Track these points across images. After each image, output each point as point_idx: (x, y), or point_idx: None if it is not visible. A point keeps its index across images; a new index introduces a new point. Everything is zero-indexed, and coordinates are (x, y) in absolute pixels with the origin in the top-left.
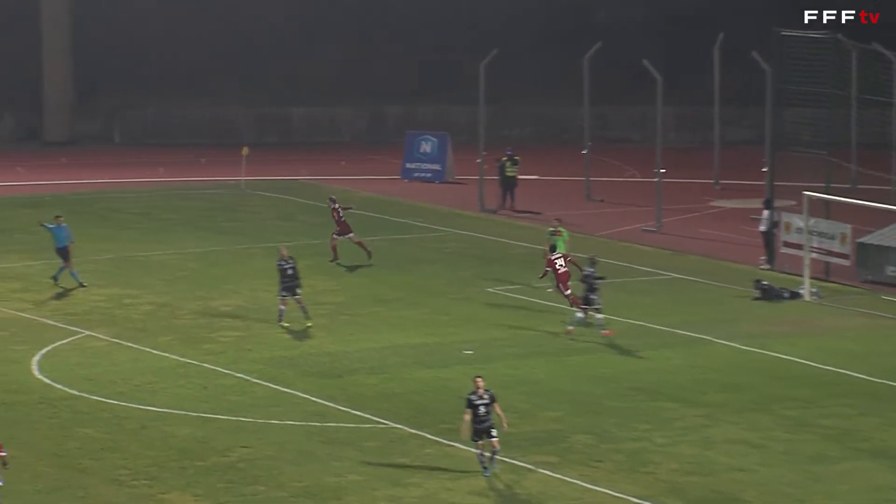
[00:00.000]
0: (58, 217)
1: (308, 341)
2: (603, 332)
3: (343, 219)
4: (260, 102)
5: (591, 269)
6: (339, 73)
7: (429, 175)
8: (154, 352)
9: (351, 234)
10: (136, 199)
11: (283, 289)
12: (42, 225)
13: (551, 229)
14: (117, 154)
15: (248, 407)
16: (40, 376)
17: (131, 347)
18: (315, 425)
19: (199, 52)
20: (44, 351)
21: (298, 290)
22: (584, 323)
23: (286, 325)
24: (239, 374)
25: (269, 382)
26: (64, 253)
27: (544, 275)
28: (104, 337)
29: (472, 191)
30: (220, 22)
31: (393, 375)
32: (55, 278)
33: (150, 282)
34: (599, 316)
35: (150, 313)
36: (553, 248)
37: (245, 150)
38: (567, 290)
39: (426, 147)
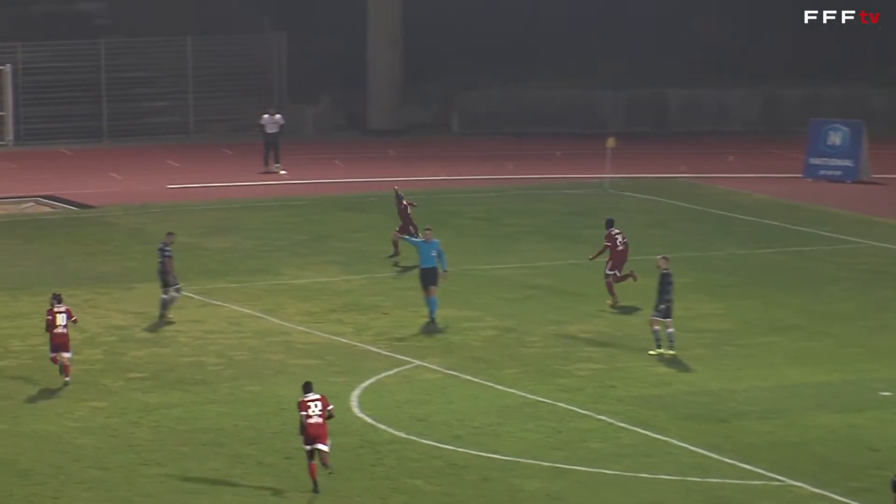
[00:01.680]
0: (427, 229)
1: (685, 377)
2: None
3: (409, 215)
4: (629, 83)
5: None
6: (726, 48)
7: (838, 173)
8: (498, 387)
9: (406, 236)
10: (477, 201)
11: (655, 308)
12: (404, 238)
13: None
14: (455, 145)
15: (612, 456)
16: (361, 415)
17: (470, 381)
18: (694, 481)
19: (555, 23)
20: (365, 384)
21: (660, 308)
22: None
23: (654, 353)
24: (600, 416)
25: (638, 427)
26: (429, 276)
27: (600, 252)
28: (437, 368)
29: (893, 192)
30: None
31: (791, 421)
32: (432, 316)
33: (492, 302)
34: None
35: (493, 340)
36: None
37: (610, 142)
38: (613, 270)
39: (835, 138)
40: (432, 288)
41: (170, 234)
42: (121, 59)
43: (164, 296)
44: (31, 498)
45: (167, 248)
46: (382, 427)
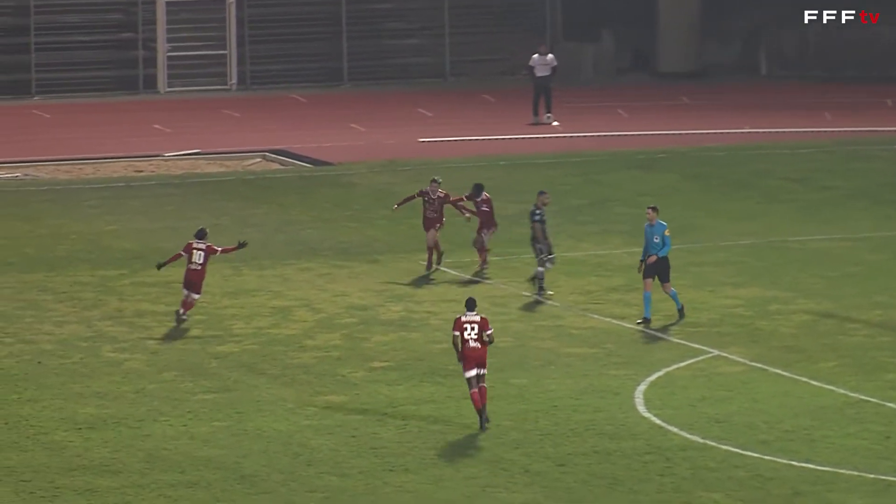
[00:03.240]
0: (650, 209)
1: None
2: None
3: (437, 212)
4: None
5: None
6: None
7: None
8: (812, 383)
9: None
10: (788, 159)
11: None
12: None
13: None
14: (762, 91)
15: None
16: (647, 414)
17: (779, 376)
18: None
19: None
20: (652, 378)
21: None
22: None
23: None
24: None
25: None
26: (658, 267)
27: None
28: (739, 359)
29: None
30: None
31: None
32: (680, 311)
33: (806, 280)
34: None
35: (807, 326)
36: None
37: None
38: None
39: None
40: (647, 281)
41: (542, 193)
42: None
43: (540, 268)
44: None
45: (538, 211)
46: (673, 430)
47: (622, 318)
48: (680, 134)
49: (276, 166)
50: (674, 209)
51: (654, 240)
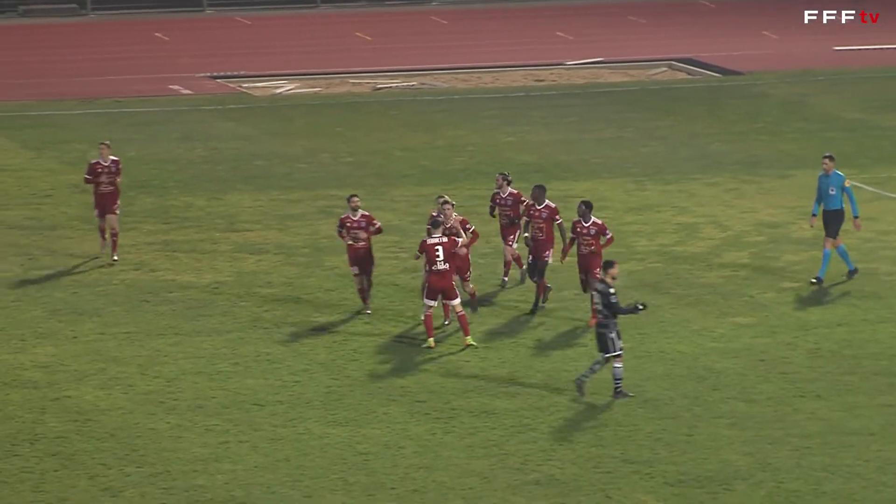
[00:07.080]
0: (827, 157)
1: None
2: None
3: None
4: None
5: None
6: None
7: None
8: None
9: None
10: None
11: None
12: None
13: None
14: None
15: None
16: None
17: None
18: None
19: None
20: None
21: None
22: None
23: None
24: None
25: None
26: (833, 220)
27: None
28: None
29: None
30: None
31: None
32: (819, 276)
33: None
34: None
35: None
36: None
37: None
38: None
39: None
40: (828, 240)
41: None
42: None
43: None
44: (660, 434)
45: None
46: None
47: None
48: None
49: (682, 76)
50: None
51: (830, 192)
